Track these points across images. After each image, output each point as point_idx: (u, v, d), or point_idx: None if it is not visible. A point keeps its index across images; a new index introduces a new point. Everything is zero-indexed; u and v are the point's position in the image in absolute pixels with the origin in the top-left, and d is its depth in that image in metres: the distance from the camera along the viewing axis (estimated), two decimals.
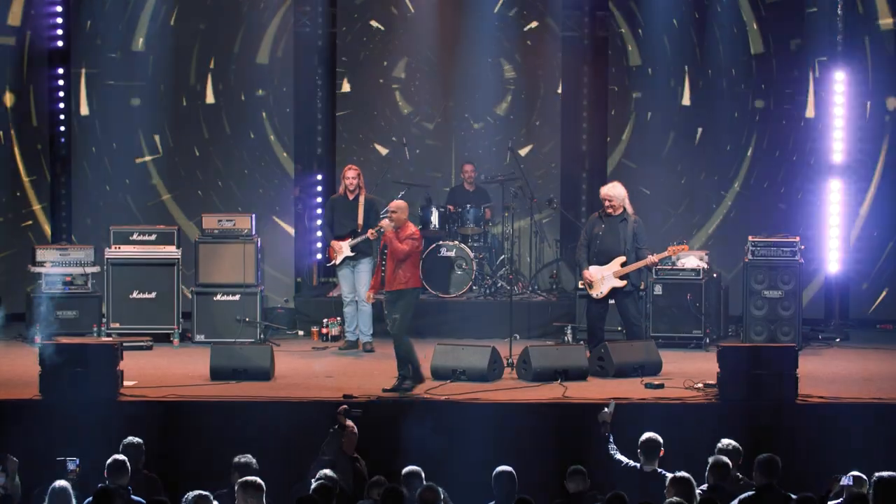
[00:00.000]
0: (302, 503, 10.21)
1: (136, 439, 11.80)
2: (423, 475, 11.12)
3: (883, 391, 14.40)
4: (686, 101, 19.28)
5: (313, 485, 10.63)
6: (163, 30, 19.25)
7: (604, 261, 15.57)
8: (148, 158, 19.40)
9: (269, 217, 19.30)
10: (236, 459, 11.49)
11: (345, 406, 12.61)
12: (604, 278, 15.53)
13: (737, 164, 19.25)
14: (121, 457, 11.30)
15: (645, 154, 19.45)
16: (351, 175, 16.57)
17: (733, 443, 11.58)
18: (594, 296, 15.60)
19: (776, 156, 19.18)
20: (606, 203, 15.67)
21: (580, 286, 17.33)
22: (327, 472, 11.05)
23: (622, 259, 15.52)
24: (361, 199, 16.50)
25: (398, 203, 14.73)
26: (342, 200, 16.67)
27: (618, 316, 15.88)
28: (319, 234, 18.85)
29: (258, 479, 10.66)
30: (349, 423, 12.36)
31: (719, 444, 11.56)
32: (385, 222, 14.57)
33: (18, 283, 18.40)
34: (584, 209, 18.97)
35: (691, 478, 10.80)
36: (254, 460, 11.41)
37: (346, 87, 19.90)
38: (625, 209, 15.67)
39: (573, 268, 18.26)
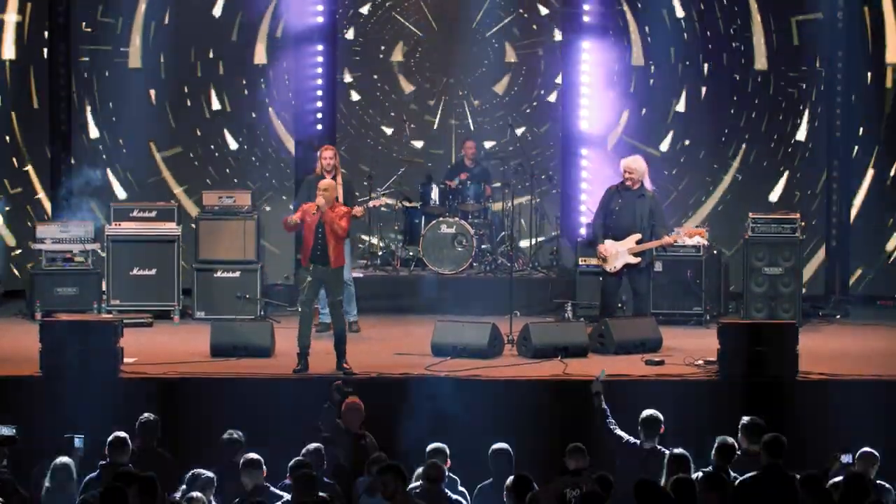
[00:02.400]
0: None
1: (152, 416, 11.81)
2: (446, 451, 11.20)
3: (883, 368, 14.42)
4: (686, 76, 19.23)
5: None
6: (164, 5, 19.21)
7: (620, 236, 15.52)
8: (148, 135, 19.35)
9: (268, 194, 19.26)
10: (225, 436, 11.53)
11: (339, 381, 12.62)
12: (618, 254, 15.51)
13: (737, 139, 19.21)
14: (122, 434, 11.32)
15: (645, 128, 19.40)
16: (328, 155, 16.41)
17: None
18: (608, 270, 15.56)
19: (775, 131, 19.15)
20: (626, 175, 15.57)
21: (580, 262, 17.37)
22: (313, 447, 11.19)
23: (637, 236, 15.48)
24: (339, 179, 16.40)
25: (328, 182, 14.60)
26: (317, 180, 16.47)
27: (620, 292, 15.90)
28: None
29: (257, 456, 10.73)
30: (355, 398, 12.36)
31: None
32: (321, 201, 14.32)
33: (19, 259, 18.43)
34: (584, 186, 18.94)
35: (689, 455, 10.84)
36: (241, 435, 11.49)
37: (346, 73, 19.85)
38: (642, 184, 15.62)
39: (573, 244, 18.24)
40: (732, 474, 10.82)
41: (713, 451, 11.07)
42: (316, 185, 16.04)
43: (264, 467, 10.84)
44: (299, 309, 14.53)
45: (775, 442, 10.79)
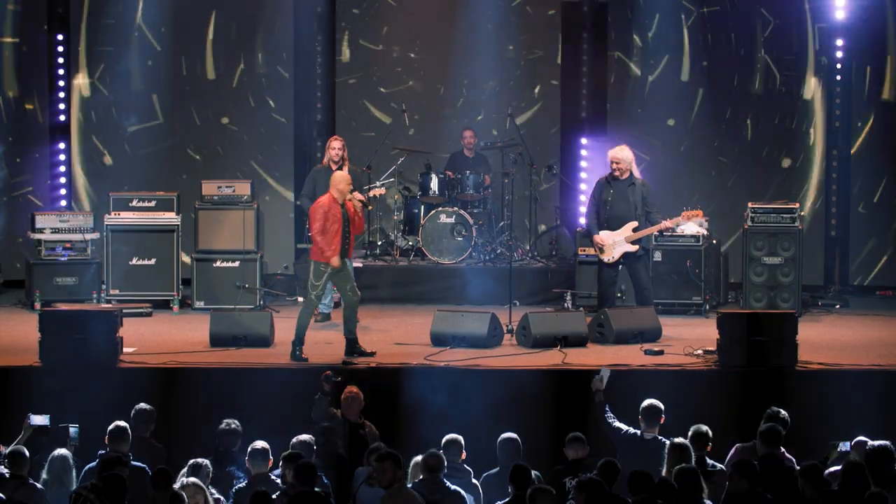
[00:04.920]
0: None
1: (148, 406, 11.82)
2: (461, 442, 11.16)
3: (883, 357, 14.42)
4: (686, 67, 19.22)
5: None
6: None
7: (615, 226, 15.50)
8: (147, 125, 19.33)
9: (268, 183, 19.26)
10: (222, 426, 11.55)
11: (328, 372, 12.61)
12: (615, 243, 15.49)
13: (736, 129, 19.21)
14: (122, 423, 11.33)
15: (645, 120, 19.39)
16: (337, 146, 16.44)
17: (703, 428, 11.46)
18: (605, 260, 15.55)
19: (775, 122, 19.14)
20: (614, 166, 15.57)
21: (579, 252, 17.37)
22: (304, 438, 11.16)
23: (634, 224, 15.46)
24: (345, 170, 16.37)
25: (346, 175, 14.66)
26: (325, 171, 16.44)
27: (618, 282, 15.90)
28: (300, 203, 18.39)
29: (265, 445, 10.76)
30: (354, 388, 12.36)
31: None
32: (357, 194, 14.50)
33: (18, 249, 18.44)
34: (583, 175, 18.93)
35: (689, 444, 10.85)
36: (238, 424, 11.51)
37: (345, 54, 19.83)
38: (632, 173, 15.61)
39: (572, 234, 18.24)
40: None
41: (689, 439, 11.05)
42: (321, 177, 16.07)
43: (270, 457, 10.87)
44: (312, 300, 14.45)
45: (772, 432, 10.83)
